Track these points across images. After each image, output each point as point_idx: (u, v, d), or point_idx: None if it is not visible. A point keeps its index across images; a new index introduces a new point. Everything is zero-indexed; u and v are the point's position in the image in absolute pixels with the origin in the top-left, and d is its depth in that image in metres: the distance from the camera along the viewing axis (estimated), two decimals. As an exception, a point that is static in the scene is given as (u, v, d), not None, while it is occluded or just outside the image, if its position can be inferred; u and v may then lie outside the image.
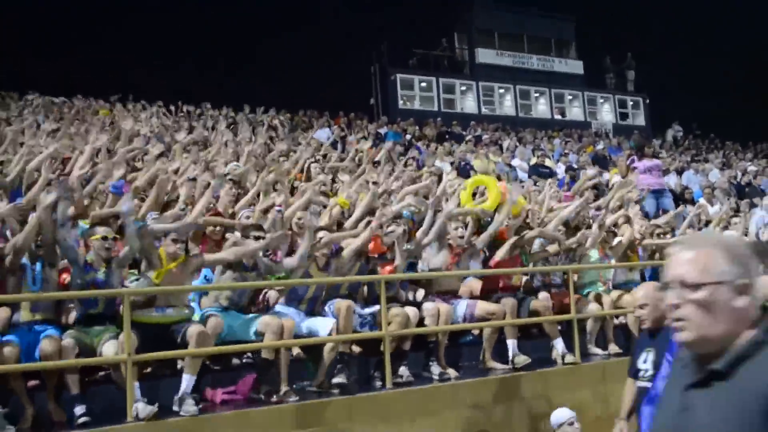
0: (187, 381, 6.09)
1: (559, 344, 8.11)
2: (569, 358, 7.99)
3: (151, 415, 5.69)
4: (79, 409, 5.72)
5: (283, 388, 6.52)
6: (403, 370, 7.22)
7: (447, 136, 21.56)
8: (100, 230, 6.53)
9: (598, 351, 8.68)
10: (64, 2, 32.55)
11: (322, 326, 6.94)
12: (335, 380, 6.79)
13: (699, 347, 2.10)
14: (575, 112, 32.28)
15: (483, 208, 9.50)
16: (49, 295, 6.27)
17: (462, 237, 8.52)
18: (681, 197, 15.67)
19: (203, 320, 6.43)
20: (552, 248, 9.01)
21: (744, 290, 2.06)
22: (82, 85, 22.04)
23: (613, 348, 8.70)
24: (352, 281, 7.63)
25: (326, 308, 7.28)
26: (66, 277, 6.54)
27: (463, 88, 30.40)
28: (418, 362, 7.56)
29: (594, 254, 9.32)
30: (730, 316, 2.05)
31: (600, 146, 23.62)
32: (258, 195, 9.47)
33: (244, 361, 7.24)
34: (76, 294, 6.34)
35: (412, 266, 8.59)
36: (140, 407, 5.71)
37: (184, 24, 34.23)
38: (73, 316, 6.61)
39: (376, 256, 8.01)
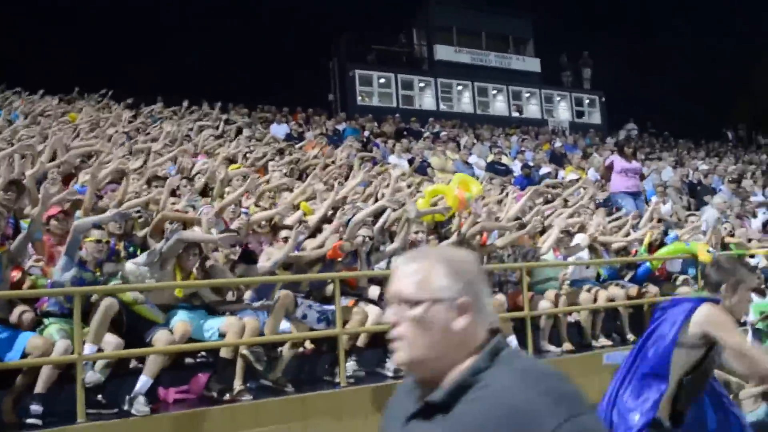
0: (142, 382, 6.05)
1: (512, 341, 8.20)
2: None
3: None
4: (36, 408, 5.65)
5: (237, 387, 6.50)
6: (350, 366, 7.25)
7: (405, 133, 21.60)
8: (96, 233, 6.51)
9: (552, 348, 8.79)
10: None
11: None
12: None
13: (416, 371, 1.89)
14: (532, 109, 32.54)
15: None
16: (73, 290, 6.13)
17: (421, 240, 8.56)
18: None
19: (172, 326, 6.46)
20: (500, 242, 9.06)
21: (465, 310, 1.84)
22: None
23: (567, 345, 8.81)
24: (312, 279, 7.66)
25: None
26: (16, 275, 6.42)
27: (422, 84, 30.47)
28: (373, 360, 7.59)
29: (550, 255, 9.42)
30: (447, 337, 1.83)
31: (557, 144, 23.89)
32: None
33: (198, 360, 7.18)
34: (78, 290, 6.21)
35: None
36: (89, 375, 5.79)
37: (141, 16, 33.82)
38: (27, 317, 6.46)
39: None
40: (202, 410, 6.21)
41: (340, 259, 7.81)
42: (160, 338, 6.17)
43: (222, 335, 6.61)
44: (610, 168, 13.85)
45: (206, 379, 6.63)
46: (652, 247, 10.52)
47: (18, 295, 6.30)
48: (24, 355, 5.74)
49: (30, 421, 5.57)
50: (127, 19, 33.71)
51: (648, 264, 10.15)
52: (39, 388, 5.73)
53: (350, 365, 7.26)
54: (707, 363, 3.81)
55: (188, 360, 7.19)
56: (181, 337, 6.32)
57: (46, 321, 6.19)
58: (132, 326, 6.24)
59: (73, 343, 5.77)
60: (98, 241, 6.48)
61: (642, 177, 15.20)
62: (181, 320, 6.54)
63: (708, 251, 10.22)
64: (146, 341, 6.21)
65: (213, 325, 6.70)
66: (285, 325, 7.01)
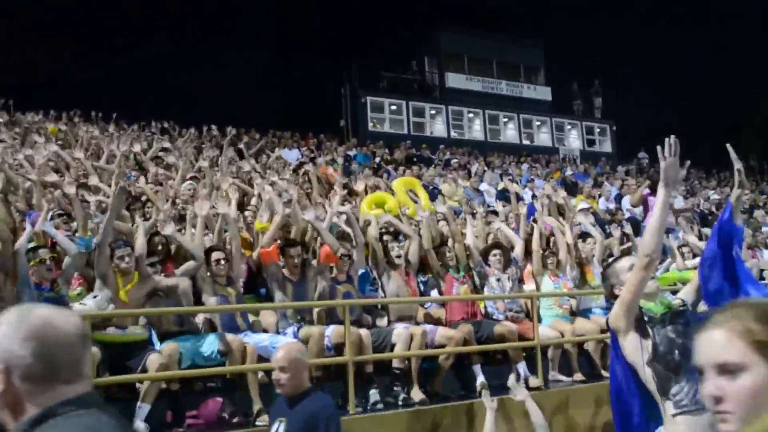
0: (142, 410, 6.01)
1: (521, 368, 8.17)
2: (534, 382, 8.03)
3: None
4: None
5: (256, 407, 6.47)
6: (373, 394, 7.20)
7: (416, 160, 21.65)
8: (41, 252, 6.50)
9: (563, 378, 8.73)
10: None
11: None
12: None
13: None
14: (543, 137, 32.63)
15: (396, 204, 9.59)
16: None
17: (399, 256, 8.51)
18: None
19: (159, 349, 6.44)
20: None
21: None
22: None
23: (578, 376, 8.74)
24: (311, 306, 7.68)
25: (288, 330, 7.28)
26: None
27: (433, 111, 30.62)
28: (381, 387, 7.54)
29: (547, 281, 9.37)
30: None
31: (567, 172, 23.87)
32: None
33: (207, 385, 7.15)
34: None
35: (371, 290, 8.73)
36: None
37: (151, 32, 34.15)
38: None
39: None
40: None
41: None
42: (153, 361, 6.07)
43: (223, 354, 6.55)
44: (646, 201, 13.74)
45: (216, 404, 6.61)
46: None
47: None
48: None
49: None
50: (135, 42, 34.05)
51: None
52: None
53: (373, 393, 7.21)
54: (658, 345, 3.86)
55: (198, 384, 7.15)
56: (169, 358, 6.24)
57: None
58: (118, 357, 6.19)
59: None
60: (42, 261, 6.44)
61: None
62: (169, 343, 6.52)
63: None
64: (139, 370, 6.12)
65: (211, 346, 6.62)
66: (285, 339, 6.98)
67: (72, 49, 33.01)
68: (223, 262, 7.34)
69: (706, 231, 15.31)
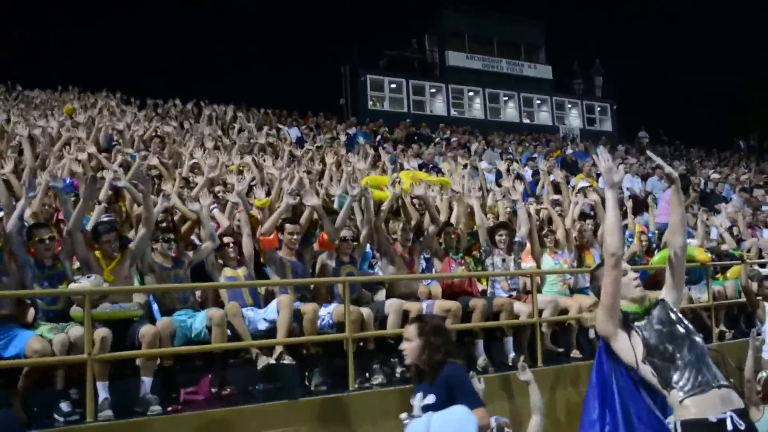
0: (146, 382, 6.07)
1: (509, 344, 8.24)
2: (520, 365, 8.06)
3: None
4: (65, 405, 5.74)
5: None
6: (376, 369, 7.25)
7: (416, 138, 21.62)
8: (41, 232, 6.43)
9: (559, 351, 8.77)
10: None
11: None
12: (314, 382, 6.87)
13: None
14: (543, 116, 32.57)
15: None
16: (28, 292, 6.24)
17: (395, 233, 8.53)
18: (644, 202, 15.86)
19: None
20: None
21: None
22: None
23: (575, 353, 8.78)
24: (310, 283, 7.70)
25: (273, 303, 7.28)
26: None
27: (433, 90, 30.52)
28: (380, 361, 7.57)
29: (546, 258, 9.37)
30: None
31: (568, 151, 23.84)
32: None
33: (197, 363, 7.17)
34: (49, 292, 6.29)
35: (370, 268, 8.73)
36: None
37: (153, 19, 33.93)
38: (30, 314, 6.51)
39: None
40: (211, 411, 6.23)
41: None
42: (146, 333, 6.11)
43: (209, 329, 6.58)
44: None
45: (209, 380, 6.64)
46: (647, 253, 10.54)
47: (17, 295, 6.30)
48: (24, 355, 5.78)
49: (69, 418, 5.67)
50: (137, 19, 33.84)
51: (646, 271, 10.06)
52: (60, 385, 5.85)
53: (377, 368, 7.26)
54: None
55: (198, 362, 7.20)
56: (164, 330, 6.31)
57: (36, 324, 6.22)
58: (116, 332, 6.14)
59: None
60: (41, 241, 6.36)
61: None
62: (165, 318, 6.62)
63: (705, 251, 10.15)
64: (133, 340, 6.18)
65: (200, 323, 6.67)
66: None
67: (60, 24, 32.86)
68: (232, 245, 7.40)
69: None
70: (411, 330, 4.45)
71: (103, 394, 5.80)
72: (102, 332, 5.87)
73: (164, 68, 31.60)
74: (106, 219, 7.38)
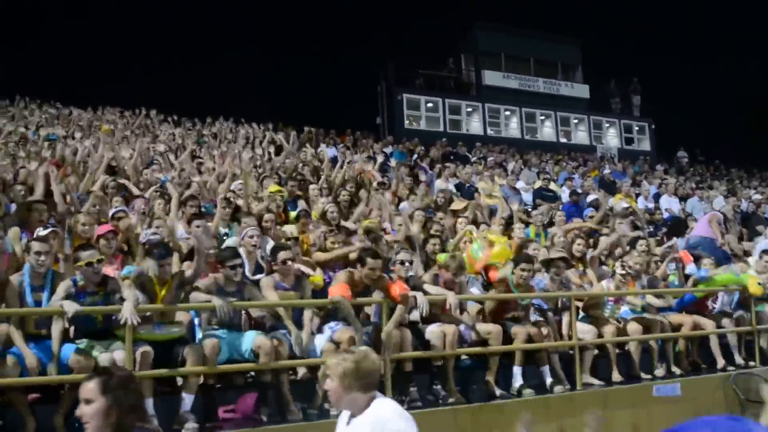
0: (187, 399, 6.14)
1: (546, 371, 8.15)
2: (558, 389, 7.97)
3: None
4: None
5: (292, 408, 6.54)
6: (412, 392, 7.21)
7: (452, 157, 21.58)
8: (86, 255, 6.43)
9: (594, 381, 8.62)
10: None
11: (319, 345, 7.00)
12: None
13: None
14: (580, 135, 32.37)
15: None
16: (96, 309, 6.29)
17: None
18: (684, 224, 15.67)
19: (201, 341, 6.57)
20: None
21: None
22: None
23: (616, 376, 8.66)
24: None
25: (326, 327, 7.28)
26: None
27: (469, 109, 30.51)
28: (422, 385, 7.54)
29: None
30: None
31: (605, 170, 23.65)
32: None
33: (248, 380, 7.18)
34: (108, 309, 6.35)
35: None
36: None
37: (193, 32, 34.47)
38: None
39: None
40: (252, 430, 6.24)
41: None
42: (190, 352, 6.21)
43: (255, 355, 6.63)
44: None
45: (253, 400, 6.64)
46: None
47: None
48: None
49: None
50: (176, 36, 34.36)
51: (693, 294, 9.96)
52: None
53: (412, 391, 7.23)
54: None
55: (238, 380, 7.21)
56: (210, 350, 6.36)
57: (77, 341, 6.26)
58: (160, 353, 6.25)
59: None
60: (89, 264, 6.37)
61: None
62: (209, 335, 6.68)
63: (759, 284, 9.99)
64: (179, 359, 6.25)
65: (247, 344, 6.73)
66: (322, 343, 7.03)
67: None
68: (290, 262, 7.41)
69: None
70: (90, 387, 3.15)
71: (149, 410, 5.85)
72: (143, 349, 5.94)
73: (202, 87, 32.04)
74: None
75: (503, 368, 7.98)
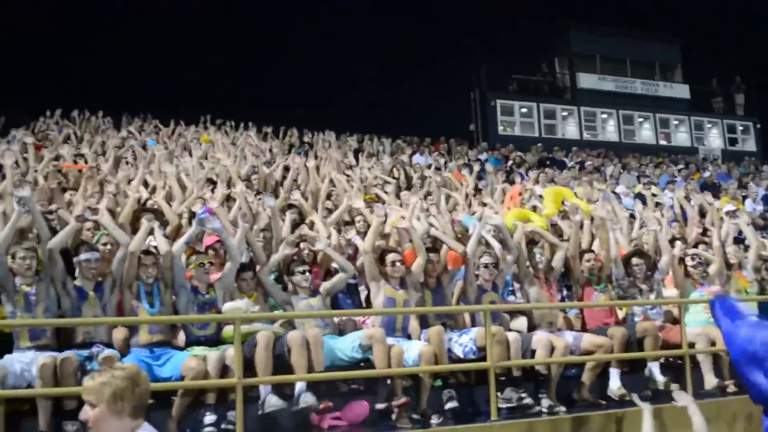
0: (299, 385, 6.26)
1: (655, 368, 7.89)
2: (675, 389, 7.70)
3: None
4: (209, 418, 5.97)
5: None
6: (508, 393, 7.11)
7: (548, 162, 21.30)
8: (203, 257, 6.95)
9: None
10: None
11: (413, 349, 6.98)
12: (447, 406, 6.81)
13: None
14: (681, 137, 31.45)
15: (543, 221, 9.46)
16: (172, 318, 6.54)
17: (541, 262, 8.46)
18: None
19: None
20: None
21: None
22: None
23: (731, 387, 8.32)
24: (452, 312, 7.71)
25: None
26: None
27: (565, 113, 30.07)
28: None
29: (690, 289, 8.99)
30: None
31: (708, 173, 22.89)
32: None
33: (351, 387, 7.24)
34: (195, 318, 6.60)
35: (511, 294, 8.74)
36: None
37: (280, 48, 35.13)
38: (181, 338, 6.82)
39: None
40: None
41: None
42: (293, 337, 6.31)
43: (365, 349, 6.71)
44: None
45: (361, 407, 6.68)
46: None
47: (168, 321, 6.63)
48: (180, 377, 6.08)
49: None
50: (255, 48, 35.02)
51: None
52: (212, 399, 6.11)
53: (507, 394, 7.13)
54: None
55: (343, 387, 7.28)
56: (314, 339, 6.44)
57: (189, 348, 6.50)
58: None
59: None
60: (201, 264, 6.85)
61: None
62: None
63: None
64: (284, 350, 6.37)
65: (351, 341, 6.84)
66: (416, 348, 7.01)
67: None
68: (398, 264, 7.44)
69: None
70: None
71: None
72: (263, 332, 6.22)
73: (293, 94, 32.63)
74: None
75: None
